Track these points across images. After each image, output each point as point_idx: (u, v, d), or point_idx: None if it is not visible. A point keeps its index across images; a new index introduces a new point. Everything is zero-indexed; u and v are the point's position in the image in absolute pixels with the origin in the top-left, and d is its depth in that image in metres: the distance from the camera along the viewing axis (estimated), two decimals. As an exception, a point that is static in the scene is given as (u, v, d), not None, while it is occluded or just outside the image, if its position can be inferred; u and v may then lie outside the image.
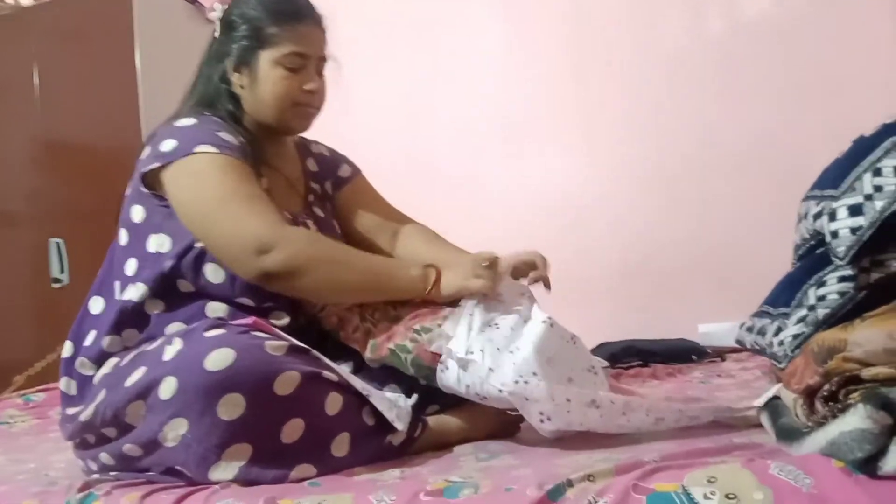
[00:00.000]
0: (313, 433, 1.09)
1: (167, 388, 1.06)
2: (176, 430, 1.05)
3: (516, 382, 1.11)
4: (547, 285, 1.43)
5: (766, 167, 2.45)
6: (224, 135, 1.27)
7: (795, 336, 1.02)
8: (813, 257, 1.09)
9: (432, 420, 1.24)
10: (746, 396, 1.42)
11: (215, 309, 1.25)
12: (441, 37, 2.88)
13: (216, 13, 1.42)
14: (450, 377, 1.17)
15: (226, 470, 1.04)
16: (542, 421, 1.12)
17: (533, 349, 1.14)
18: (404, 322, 1.25)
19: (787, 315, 1.07)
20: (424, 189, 2.79)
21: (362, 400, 1.15)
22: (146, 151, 1.29)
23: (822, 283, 1.02)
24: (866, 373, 0.84)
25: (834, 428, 0.83)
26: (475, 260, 1.24)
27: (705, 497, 0.78)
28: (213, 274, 1.25)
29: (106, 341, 1.26)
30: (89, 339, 1.28)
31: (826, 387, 0.88)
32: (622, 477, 0.85)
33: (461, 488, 0.90)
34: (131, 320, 1.26)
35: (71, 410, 1.27)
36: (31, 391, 2.14)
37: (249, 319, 1.14)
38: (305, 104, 1.38)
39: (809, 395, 0.92)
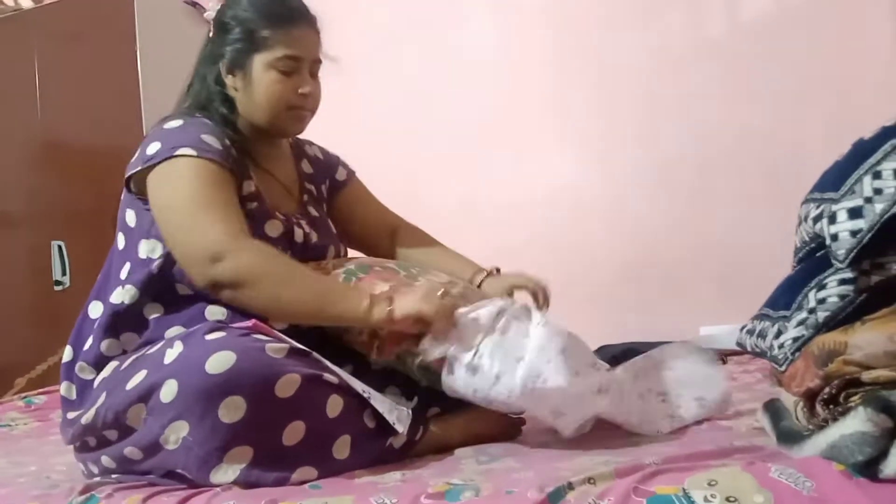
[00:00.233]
0: (314, 436, 1.09)
1: (168, 390, 1.06)
2: (177, 433, 1.06)
3: (526, 386, 1.11)
4: (539, 302, 1.43)
5: (768, 169, 2.44)
6: (207, 137, 1.27)
7: (795, 339, 1.02)
8: (813, 260, 1.09)
9: (433, 423, 1.24)
10: (747, 399, 1.42)
11: (214, 312, 1.25)
12: (439, 39, 2.88)
13: (209, 13, 1.42)
14: (456, 381, 1.17)
15: (227, 472, 1.04)
16: (557, 418, 1.12)
17: (545, 340, 1.14)
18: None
19: (787, 318, 1.07)
20: (419, 193, 2.80)
21: (363, 402, 1.15)
22: (135, 154, 1.30)
23: (822, 286, 1.01)
24: (867, 376, 0.84)
25: (834, 431, 0.83)
26: (430, 288, 1.21)
27: (706, 500, 0.78)
28: None
29: (104, 345, 1.26)
30: (88, 343, 1.28)
31: (826, 390, 0.88)
32: (623, 480, 0.86)
33: (462, 491, 0.90)
34: (127, 323, 1.26)
35: (72, 414, 1.27)
36: (32, 394, 2.14)
37: (250, 322, 1.14)
38: (299, 107, 1.38)
39: (810, 398, 0.92)
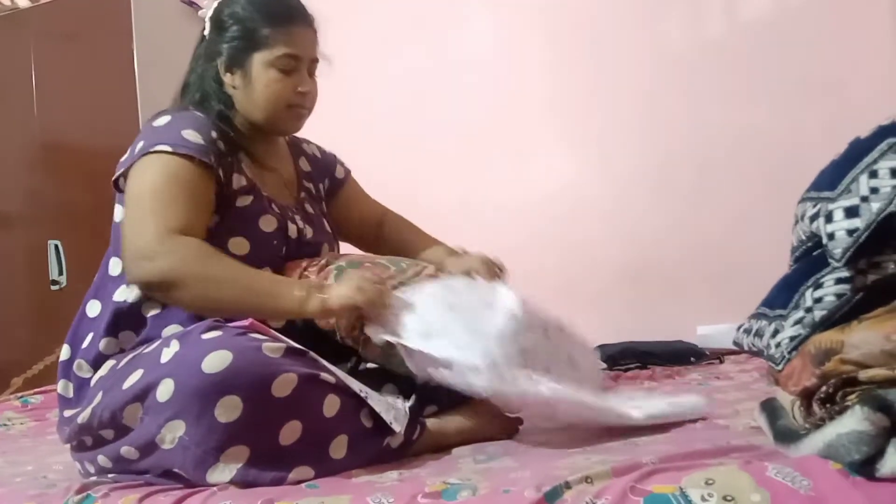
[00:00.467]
0: (311, 435, 1.09)
1: (164, 390, 1.06)
2: (173, 433, 1.06)
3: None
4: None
5: (766, 169, 2.45)
6: (188, 133, 1.27)
7: (792, 338, 1.02)
8: (810, 259, 1.09)
9: (431, 422, 1.24)
10: (744, 398, 1.42)
11: None
12: (439, 39, 2.88)
13: (204, 11, 1.42)
14: (411, 363, 1.20)
15: (223, 472, 1.04)
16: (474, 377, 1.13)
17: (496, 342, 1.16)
18: None
19: (783, 317, 1.07)
20: (418, 193, 2.79)
21: (360, 402, 1.15)
22: (126, 154, 1.32)
23: (818, 285, 1.02)
24: (863, 374, 0.84)
25: (831, 430, 0.83)
26: (364, 277, 1.23)
27: (703, 499, 0.78)
28: None
29: (103, 343, 1.26)
30: (86, 342, 1.28)
31: (823, 389, 0.88)
32: (620, 479, 0.86)
33: (459, 490, 0.90)
34: (127, 322, 1.26)
35: (68, 413, 1.27)
36: (29, 393, 2.14)
37: (246, 321, 1.14)
38: (298, 105, 1.39)
39: (807, 396, 0.92)
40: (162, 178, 1.24)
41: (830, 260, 0.96)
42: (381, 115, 2.90)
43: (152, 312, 1.26)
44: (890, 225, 0.92)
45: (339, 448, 1.11)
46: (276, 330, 1.18)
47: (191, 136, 1.27)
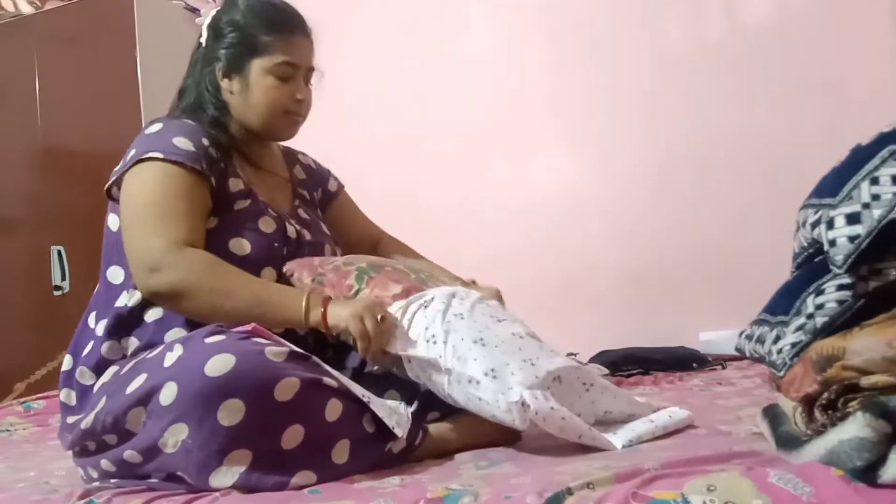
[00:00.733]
0: (313, 440, 1.09)
1: (168, 393, 1.06)
2: (176, 436, 1.06)
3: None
4: None
5: (769, 174, 2.45)
6: (179, 140, 1.29)
7: (794, 344, 1.02)
8: (811, 266, 1.09)
9: (433, 427, 1.24)
10: (746, 404, 1.42)
11: None
12: (439, 41, 2.89)
13: (201, 19, 1.45)
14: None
15: (226, 476, 1.04)
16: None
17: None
18: None
19: (785, 323, 1.07)
20: (419, 195, 2.80)
21: (362, 407, 1.15)
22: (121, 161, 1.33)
23: (820, 292, 1.02)
24: (865, 381, 0.84)
25: (833, 436, 0.83)
26: (369, 307, 1.21)
27: (704, 505, 0.78)
28: None
29: (105, 347, 1.27)
30: (89, 348, 1.29)
31: (825, 395, 0.88)
32: (622, 485, 0.86)
33: (461, 496, 0.90)
34: (129, 326, 1.28)
35: (71, 419, 1.28)
36: (31, 399, 2.15)
37: (249, 326, 1.14)
38: (294, 112, 1.42)
39: (808, 403, 0.92)
40: (160, 186, 1.26)
41: (832, 266, 0.96)
42: (381, 115, 2.91)
43: (154, 317, 1.27)
44: (891, 232, 0.92)
45: (341, 453, 1.11)
46: (278, 334, 1.18)
47: (181, 143, 1.29)
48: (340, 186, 1.66)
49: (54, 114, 2.98)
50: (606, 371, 2.03)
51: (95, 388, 1.25)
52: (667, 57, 2.62)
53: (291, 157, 1.60)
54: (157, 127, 1.34)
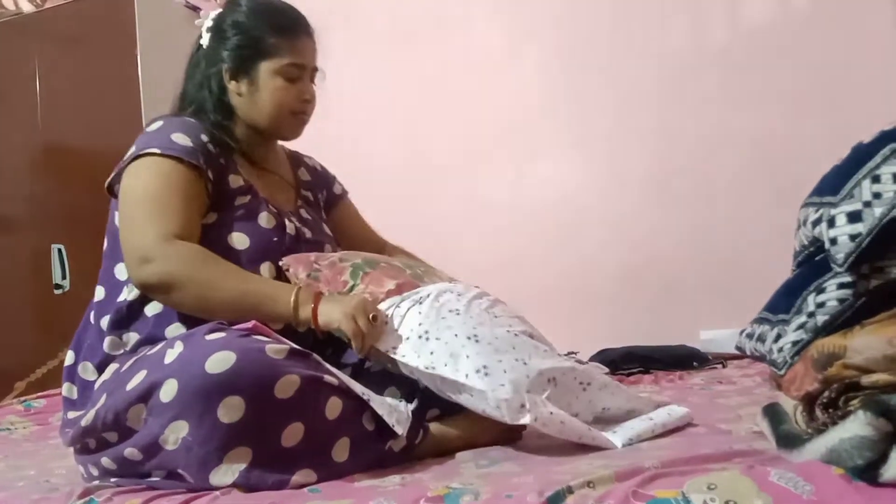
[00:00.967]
0: (313, 438, 1.09)
1: (168, 390, 1.06)
2: (177, 433, 1.06)
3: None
4: None
5: (769, 174, 2.45)
6: (178, 136, 1.31)
7: (795, 343, 1.02)
8: (812, 264, 1.09)
9: (433, 426, 1.24)
10: (747, 403, 1.42)
11: None
12: (445, 45, 2.89)
13: (201, 21, 1.46)
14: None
15: (226, 474, 1.04)
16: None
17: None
18: None
19: (786, 322, 1.07)
20: (423, 196, 2.80)
21: (363, 405, 1.15)
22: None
23: (821, 290, 1.02)
24: (866, 379, 0.84)
25: (834, 435, 0.83)
26: (361, 305, 1.21)
27: (705, 504, 0.78)
28: None
29: (107, 342, 1.28)
30: (91, 344, 1.30)
31: (826, 393, 0.88)
32: (622, 483, 0.85)
33: (461, 495, 0.90)
34: (129, 321, 1.29)
35: (72, 415, 1.28)
36: (31, 397, 2.15)
37: (250, 323, 1.14)
38: (301, 113, 1.45)
39: (809, 401, 0.91)
40: (156, 180, 1.27)
41: (833, 265, 0.96)
42: (385, 119, 2.91)
43: (154, 311, 1.28)
44: (892, 230, 0.92)
45: (341, 451, 1.11)
46: (278, 332, 1.18)
47: (179, 139, 1.31)
48: (345, 192, 1.68)
49: (55, 112, 2.98)
50: (606, 370, 2.03)
51: (97, 385, 1.25)
52: (669, 60, 2.62)
53: (297, 159, 1.62)
54: (157, 125, 1.35)
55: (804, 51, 2.45)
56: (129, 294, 1.29)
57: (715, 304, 2.49)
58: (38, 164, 3.03)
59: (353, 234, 1.64)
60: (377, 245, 1.67)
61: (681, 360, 2.11)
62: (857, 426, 0.79)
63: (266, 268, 1.34)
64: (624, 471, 0.90)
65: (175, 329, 1.26)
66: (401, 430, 1.14)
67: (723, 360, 2.11)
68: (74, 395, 1.31)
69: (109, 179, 1.34)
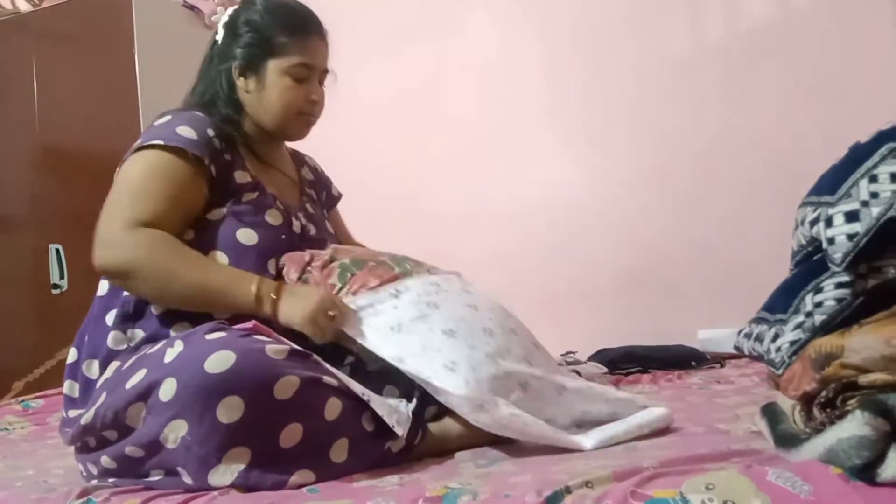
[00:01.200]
0: (312, 438, 1.09)
1: (167, 389, 1.06)
2: (176, 432, 1.06)
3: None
4: None
5: (768, 173, 2.45)
6: (183, 129, 1.31)
7: (792, 342, 1.02)
8: (810, 263, 1.09)
9: (432, 426, 1.24)
10: (745, 403, 1.42)
11: None
12: (439, 45, 2.89)
13: (218, 17, 1.46)
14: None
15: (225, 474, 1.04)
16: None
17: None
18: None
19: (784, 321, 1.07)
20: (423, 196, 2.80)
21: (362, 405, 1.15)
22: None
23: (819, 290, 1.01)
24: (864, 379, 0.84)
25: (832, 434, 0.83)
26: (321, 305, 1.22)
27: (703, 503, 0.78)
28: None
29: (111, 338, 1.28)
30: (94, 340, 1.30)
31: (823, 393, 0.88)
32: (620, 483, 0.86)
33: (460, 495, 0.90)
34: (135, 317, 1.28)
35: (73, 413, 1.28)
36: (29, 397, 2.14)
37: (250, 323, 1.15)
38: (308, 113, 1.45)
39: (807, 401, 0.92)
40: (143, 170, 1.28)
41: (830, 264, 0.96)
42: (381, 120, 2.91)
43: (159, 309, 1.28)
44: (890, 229, 0.92)
45: (339, 451, 1.11)
46: (278, 332, 1.18)
47: (184, 131, 1.31)
48: (339, 195, 1.70)
49: (52, 112, 2.97)
50: (605, 370, 2.03)
51: (98, 384, 1.25)
52: (666, 59, 2.63)
53: (299, 158, 1.64)
54: (165, 118, 1.36)
55: (804, 50, 2.45)
56: None
57: (713, 303, 2.49)
58: (36, 164, 3.03)
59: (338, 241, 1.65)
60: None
61: (679, 359, 2.11)
62: (854, 426, 0.79)
63: (273, 264, 1.35)
64: (622, 471, 0.90)
65: (181, 327, 1.26)
66: (401, 431, 1.14)
67: (721, 359, 2.11)
68: (76, 393, 1.31)
69: (117, 171, 1.34)
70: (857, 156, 1.00)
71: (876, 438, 0.77)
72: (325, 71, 1.46)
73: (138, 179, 1.28)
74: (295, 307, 1.22)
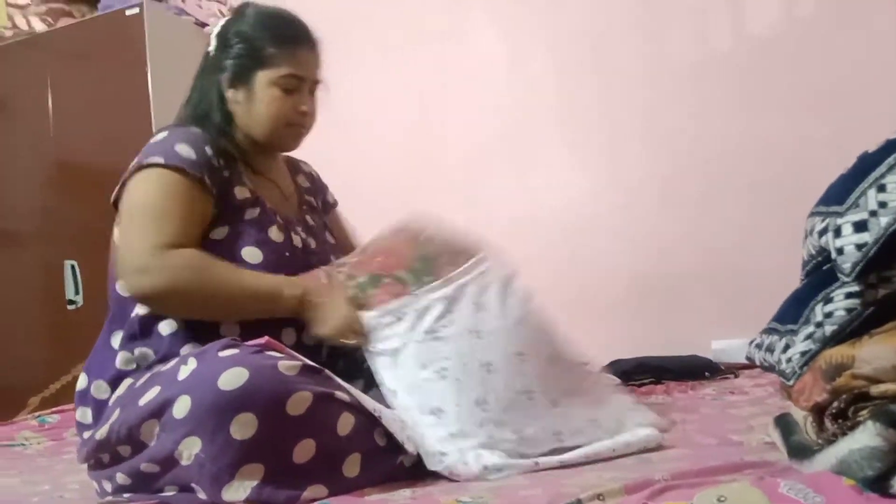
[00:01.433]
0: (325, 453, 1.09)
1: (181, 406, 1.07)
2: (190, 449, 1.06)
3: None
4: None
5: (779, 182, 2.44)
6: (182, 147, 1.31)
7: (803, 353, 1.02)
8: (820, 274, 1.09)
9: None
10: (759, 413, 1.42)
11: (229, 327, 1.28)
12: (449, 50, 2.90)
13: (210, 28, 1.46)
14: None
15: (238, 490, 1.04)
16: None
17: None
18: None
19: (794, 332, 1.07)
20: (427, 205, 2.80)
21: (374, 420, 1.15)
22: None
23: (828, 300, 1.01)
24: (875, 390, 0.84)
25: (844, 446, 0.83)
26: (349, 325, 1.28)
27: (715, 516, 0.78)
28: None
29: (119, 359, 1.28)
30: (102, 363, 1.30)
31: (835, 404, 0.88)
32: (632, 496, 0.86)
33: (471, 508, 0.90)
34: (142, 337, 1.29)
35: (87, 434, 1.29)
36: (45, 413, 2.16)
37: (263, 339, 1.15)
38: (298, 124, 1.44)
39: (818, 412, 0.91)
40: (156, 191, 1.28)
41: (840, 275, 0.96)
42: (389, 128, 2.92)
43: (168, 330, 1.28)
44: (899, 239, 0.92)
45: (352, 466, 1.11)
46: (290, 348, 1.19)
47: (183, 150, 1.31)
48: (335, 202, 1.68)
49: (67, 129, 3.00)
50: (618, 381, 2.02)
51: (111, 402, 1.26)
52: (674, 68, 2.62)
53: (294, 165, 1.62)
54: (162, 135, 1.36)
55: (812, 57, 2.45)
56: (140, 309, 1.29)
57: (726, 314, 2.48)
58: (51, 180, 3.05)
59: (337, 243, 1.63)
60: None
61: (692, 370, 2.10)
62: (866, 437, 0.79)
63: None
64: (634, 483, 0.90)
65: (190, 346, 1.26)
66: (412, 447, 1.15)
67: (735, 370, 2.10)
68: (89, 419, 1.31)
69: (115, 193, 1.34)
70: (866, 165, 1.00)
71: (888, 449, 0.77)
72: (317, 82, 1.45)
73: (154, 201, 1.28)
74: (324, 322, 1.28)
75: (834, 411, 0.87)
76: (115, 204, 1.36)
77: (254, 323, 1.27)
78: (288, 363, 1.10)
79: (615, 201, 2.67)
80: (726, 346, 2.31)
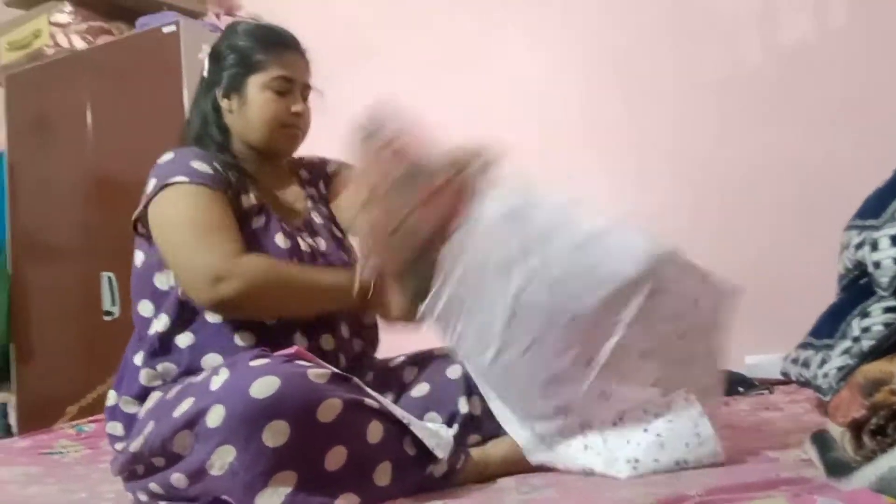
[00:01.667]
0: (356, 461, 1.10)
1: (215, 416, 1.08)
2: (223, 459, 1.07)
3: None
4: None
5: (812, 197, 2.41)
6: (197, 164, 1.34)
7: (840, 368, 1.01)
8: (856, 288, 1.07)
9: (475, 451, 1.24)
10: (795, 430, 1.39)
11: (244, 337, 1.30)
12: (476, 73, 2.91)
13: (202, 54, 1.50)
14: None
15: (272, 497, 1.05)
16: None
17: None
18: None
19: (830, 346, 1.06)
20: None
21: (403, 429, 1.16)
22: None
23: (865, 314, 1.00)
24: (915, 406, 0.83)
25: (884, 462, 0.81)
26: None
27: (750, 532, 0.77)
28: None
29: (143, 375, 1.31)
30: (128, 381, 1.34)
31: (873, 420, 0.86)
32: (665, 511, 0.85)
33: (503, 521, 0.90)
34: (162, 353, 1.31)
35: (120, 446, 1.31)
36: (82, 421, 2.19)
37: (292, 349, 1.17)
38: (292, 126, 1.45)
39: (856, 428, 0.90)
40: (194, 206, 1.30)
41: (877, 289, 0.95)
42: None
43: (187, 343, 1.30)
44: (938, 252, 0.91)
45: (383, 475, 1.12)
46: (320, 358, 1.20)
47: (199, 166, 1.34)
48: (342, 164, 1.60)
49: (105, 144, 3.07)
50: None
51: (141, 415, 1.28)
52: (702, 82, 2.61)
53: (295, 163, 1.60)
54: (169, 156, 1.38)
55: (842, 71, 2.42)
56: (158, 326, 1.32)
57: (760, 328, 2.43)
58: (89, 195, 3.11)
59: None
60: None
61: (727, 385, 2.08)
62: (906, 454, 0.77)
63: None
64: (666, 499, 0.89)
65: (211, 359, 1.28)
66: (441, 453, 1.15)
67: (769, 385, 2.07)
68: (119, 432, 1.34)
69: (137, 213, 1.35)
70: (903, 178, 0.99)
71: (929, 467, 0.76)
72: (307, 86, 1.48)
73: (196, 215, 1.29)
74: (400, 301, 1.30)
75: (873, 427, 0.86)
76: (135, 225, 1.38)
77: (265, 331, 1.30)
78: (318, 371, 1.11)
79: (645, 218, 2.65)
80: (760, 362, 2.28)
